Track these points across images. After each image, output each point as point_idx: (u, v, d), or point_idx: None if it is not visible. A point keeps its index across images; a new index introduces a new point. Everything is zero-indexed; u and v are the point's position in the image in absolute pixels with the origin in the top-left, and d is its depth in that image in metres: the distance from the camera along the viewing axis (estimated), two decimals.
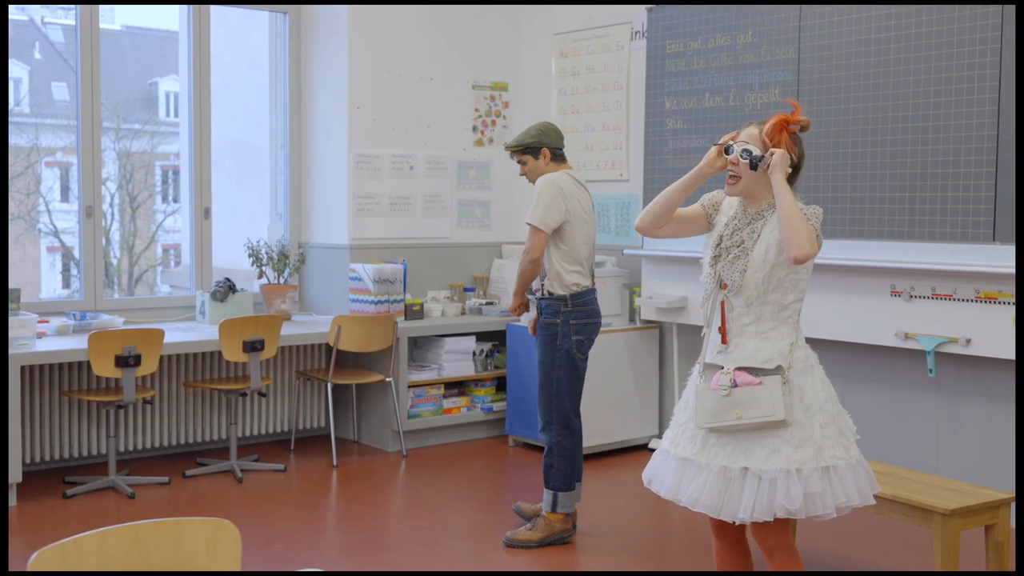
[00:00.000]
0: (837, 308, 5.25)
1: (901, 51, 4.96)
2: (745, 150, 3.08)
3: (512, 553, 4.52)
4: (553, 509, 4.59)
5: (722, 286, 3.11)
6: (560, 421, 4.59)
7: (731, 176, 3.13)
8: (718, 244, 3.17)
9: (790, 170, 3.09)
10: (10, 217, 15.02)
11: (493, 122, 7.12)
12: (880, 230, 5.05)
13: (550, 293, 4.59)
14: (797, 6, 5.36)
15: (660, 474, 3.19)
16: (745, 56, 5.61)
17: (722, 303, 3.10)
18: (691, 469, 3.09)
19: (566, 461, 4.58)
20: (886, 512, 3.84)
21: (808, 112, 5.33)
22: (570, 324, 4.56)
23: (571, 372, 4.60)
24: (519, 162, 4.78)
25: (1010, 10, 4.56)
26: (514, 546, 4.55)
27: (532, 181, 4.75)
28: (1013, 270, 4.55)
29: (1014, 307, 4.61)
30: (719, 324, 3.12)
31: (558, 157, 4.75)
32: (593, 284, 4.69)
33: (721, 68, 5.73)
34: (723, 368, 3.07)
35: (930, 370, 4.94)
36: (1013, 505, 4.00)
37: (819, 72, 5.28)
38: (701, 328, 3.24)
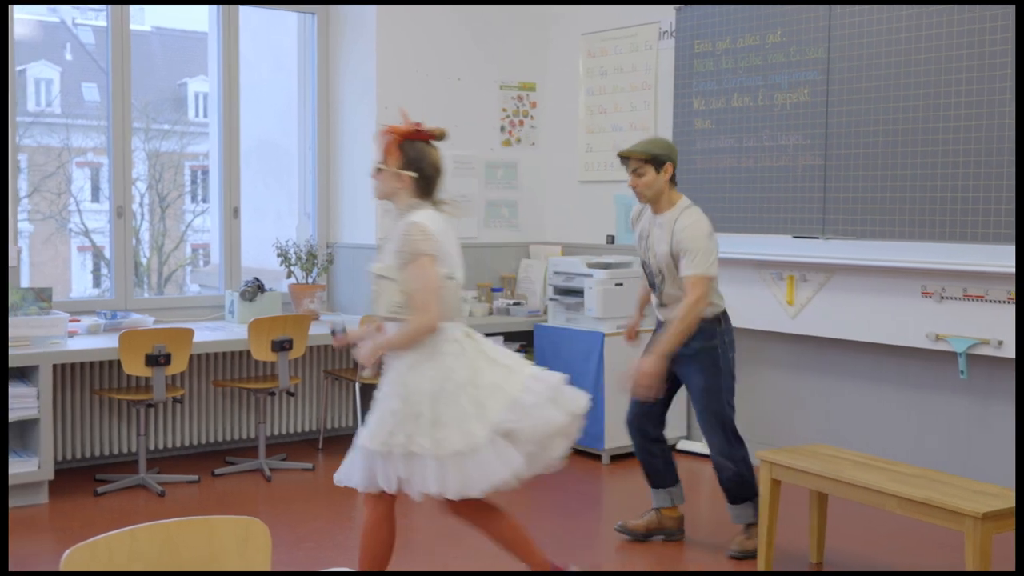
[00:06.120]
0: (867, 309, 5.21)
1: (932, 50, 4.92)
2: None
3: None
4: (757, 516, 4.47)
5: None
6: (736, 438, 4.46)
7: None
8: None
9: (414, 176, 3.49)
10: (42, 217, 15.13)
11: (521, 122, 7.12)
12: (911, 231, 5.01)
13: (703, 318, 4.37)
14: (827, 6, 5.32)
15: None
16: (774, 56, 5.58)
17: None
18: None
19: (751, 470, 4.50)
20: (917, 515, 3.81)
21: (838, 111, 5.30)
22: (726, 342, 4.43)
23: (733, 389, 4.48)
24: (634, 171, 4.43)
25: None
26: (746, 557, 4.45)
27: (644, 196, 4.45)
28: None
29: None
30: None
31: (673, 179, 4.45)
32: None
33: (750, 68, 5.70)
34: None
35: (961, 372, 4.89)
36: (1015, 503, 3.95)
37: (849, 72, 5.24)
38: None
